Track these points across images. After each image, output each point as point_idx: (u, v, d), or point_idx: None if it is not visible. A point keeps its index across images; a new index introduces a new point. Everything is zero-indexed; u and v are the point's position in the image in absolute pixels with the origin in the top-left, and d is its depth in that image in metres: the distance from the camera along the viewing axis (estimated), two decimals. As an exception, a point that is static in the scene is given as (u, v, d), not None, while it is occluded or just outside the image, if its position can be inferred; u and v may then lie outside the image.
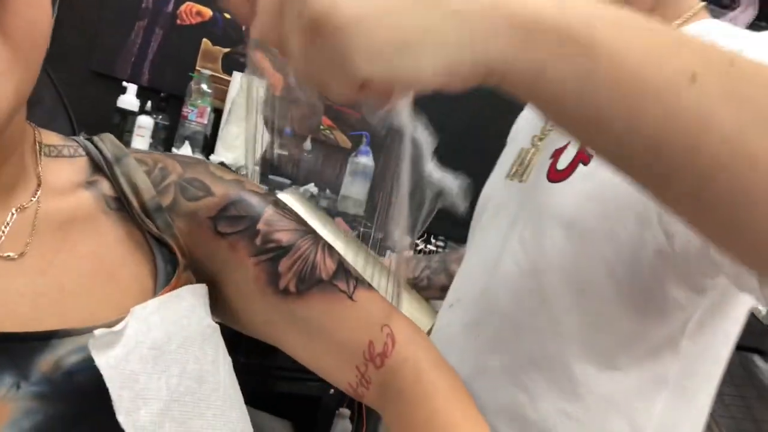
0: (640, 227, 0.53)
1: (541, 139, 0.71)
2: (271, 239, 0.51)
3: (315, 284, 0.51)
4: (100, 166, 0.51)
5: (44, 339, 0.39)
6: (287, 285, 0.50)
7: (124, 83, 1.57)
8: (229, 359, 0.51)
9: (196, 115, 1.84)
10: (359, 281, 0.54)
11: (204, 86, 1.84)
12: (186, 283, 0.50)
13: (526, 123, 0.81)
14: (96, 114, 1.80)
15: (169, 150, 1.80)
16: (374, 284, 0.66)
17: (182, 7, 1.92)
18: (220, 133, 1.88)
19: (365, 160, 1.84)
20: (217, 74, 1.97)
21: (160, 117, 1.83)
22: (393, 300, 0.67)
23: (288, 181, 1.83)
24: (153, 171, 0.52)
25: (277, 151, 2.00)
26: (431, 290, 0.96)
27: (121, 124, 1.53)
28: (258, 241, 0.51)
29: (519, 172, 0.71)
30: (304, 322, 0.51)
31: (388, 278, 0.69)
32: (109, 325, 0.40)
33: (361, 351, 0.50)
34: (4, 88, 0.35)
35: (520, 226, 0.65)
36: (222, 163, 1.75)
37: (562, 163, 0.62)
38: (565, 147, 0.64)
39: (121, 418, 0.38)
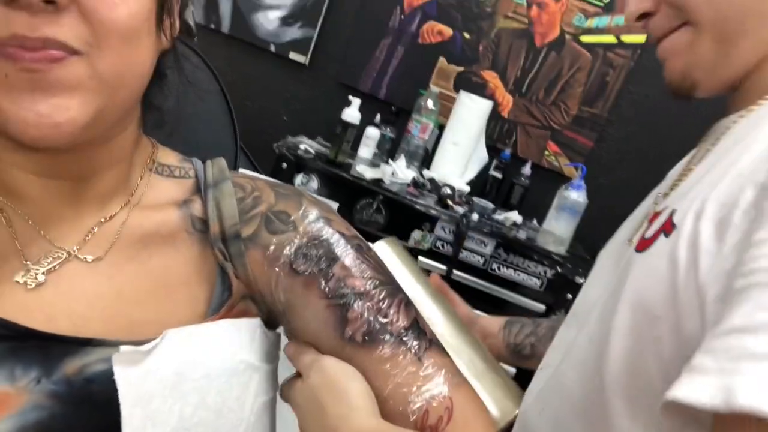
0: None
1: (665, 196, 0.60)
2: (346, 284, 0.51)
3: (382, 337, 0.49)
4: (200, 188, 0.55)
5: (80, 344, 0.43)
6: (353, 334, 0.49)
7: (350, 97, 1.71)
8: (264, 399, 0.52)
9: (418, 131, 1.92)
10: (433, 343, 0.51)
11: (430, 103, 1.91)
12: (240, 314, 0.52)
13: (668, 178, 0.70)
14: (327, 123, 2.01)
15: (392, 159, 1.91)
16: (458, 352, 0.62)
17: (425, 26, 2.01)
18: (438, 149, 1.92)
19: (576, 195, 1.69)
20: (446, 92, 2.02)
21: (388, 129, 1.96)
22: (474, 373, 0.62)
23: (491, 206, 1.79)
24: (246, 198, 0.55)
25: (492, 173, 1.97)
26: (533, 360, 0.85)
27: (341, 135, 1.68)
28: (332, 284, 0.51)
29: (634, 236, 0.60)
30: (364, 373, 0.49)
31: (475, 349, 0.63)
32: (143, 343, 0.44)
33: (414, 417, 0.47)
34: (85, 109, 0.41)
35: (604, 297, 0.57)
36: (432, 180, 1.79)
37: (651, 230, 0.53)
38: (662, 210, 0.54)
39: None
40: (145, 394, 0.43)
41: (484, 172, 1.97)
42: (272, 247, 0.52)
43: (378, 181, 1.65)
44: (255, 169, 0.84)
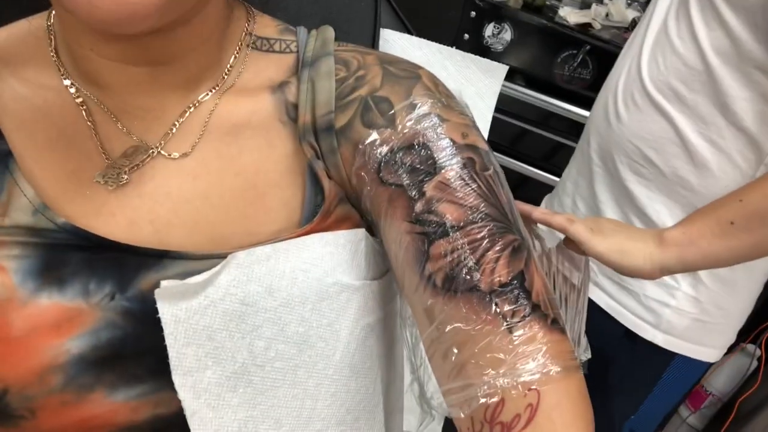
0: None
1: None
2: (435, 210, 0.38)
3: (467, 290, 0.37)
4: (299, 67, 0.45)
5: (157, 257, 0.39)
6: (432, 275, 0.38)
7: None
8: (369, 320, 0.43)
9: (647, -45, 1.51)
10: (536, 310, 0.36)
11: None
12: (340, 221, 0.43)
13: None
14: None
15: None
16: None
17: None
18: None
19: None
20: None
21: (606, -43, 1.58)
22: None
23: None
24: (348, 79, 0.43)
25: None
26: None
27: (541, -29, 1.38)
28: (419, 206, 0.39)
29: None
30: (437, 325, 0.38)
31: None
32: (225, 257, 0.37)
33: (483, 403, 0.35)
34: None
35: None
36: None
37: None
38: None
39: (176, 379, 0.36)
40: (203, 330, 0.37)
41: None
42: (361, 145, 0.41)
43: (586, 27, 1.35)
44: (404, 27, 0.69)
